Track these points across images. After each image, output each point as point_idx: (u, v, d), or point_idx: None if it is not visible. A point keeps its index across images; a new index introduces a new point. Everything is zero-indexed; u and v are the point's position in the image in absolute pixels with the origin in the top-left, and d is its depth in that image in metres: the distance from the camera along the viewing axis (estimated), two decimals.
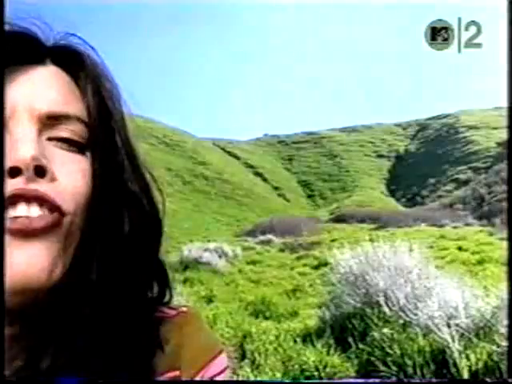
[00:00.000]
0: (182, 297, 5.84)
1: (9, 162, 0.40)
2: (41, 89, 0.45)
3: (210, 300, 7.76)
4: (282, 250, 19.61)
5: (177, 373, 0.47)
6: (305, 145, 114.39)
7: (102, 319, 0.42)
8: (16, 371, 0.40)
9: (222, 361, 0.50)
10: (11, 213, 0.40)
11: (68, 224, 0.42)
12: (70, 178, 0.43)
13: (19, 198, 0.40)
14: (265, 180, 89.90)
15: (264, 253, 18.43)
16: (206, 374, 0.48)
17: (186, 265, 12.18)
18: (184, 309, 0.52)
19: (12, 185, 0.40)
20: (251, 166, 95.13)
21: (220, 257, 13.22)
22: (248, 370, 3.22)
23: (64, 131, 0.45)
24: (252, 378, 3.06)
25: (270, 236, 23.96)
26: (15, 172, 0.40)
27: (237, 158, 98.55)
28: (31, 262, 0.40)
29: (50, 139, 0.44)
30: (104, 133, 0.46)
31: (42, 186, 0.41)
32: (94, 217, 0.44)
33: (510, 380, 2.64)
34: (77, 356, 0.41)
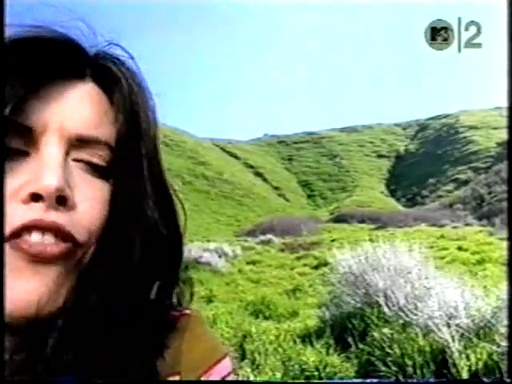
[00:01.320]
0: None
1: (32, 186, 0.40)
2: (75, 108, 0.44)
3: (210, 300, 7.76)
4: (281, 250, 19.60)
5: (177, 377, 0.45)
6: (305, 145, 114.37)
7: (106, 322, 0.42)
8: (17, 372, 0.40)
9: (227, 364, 0.48)
10: (26, 238, 0.40)
11: (80, 255, 0.42)
12: (89, 205, 0.43)
13: (35, 226, 0.40)
14: (265, 180, 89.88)
15: (264, 253, 18.43)
16: (210, 378, 0.47)
17: (185, 265, 12.16)
18: (187, 311, 0.50)
19: (31, 211, 0.40)
20: (251, 166, 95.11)
21: (220, 257, 13.22)
22: (248, 370, 3.22)
23: (91, 155, 0.44)
24: (252, 378, 3.06)
25: (269, 236, 23.95)
26: (36, 198, 0.40)
27: (237, 158, 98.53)
28: (40, 290, 0.40)
29: (76, 160, 0.43)
30: (131, 160, 0.45)
31: (59, 217, 0.41)
32: (105, 247, 0.43)
33: (507, 380, 2.64)
34: (78, 358, 0.40)
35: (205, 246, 14.87)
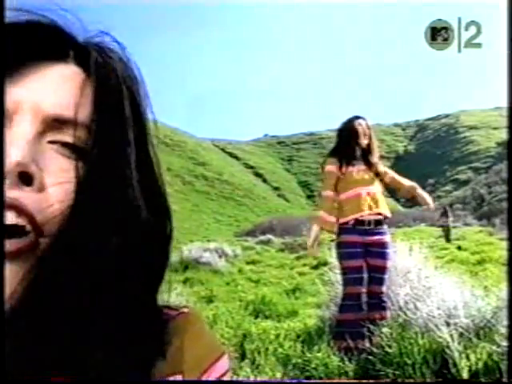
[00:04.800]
0: (182, 297, 5.84)
1: None
2: (53, 89, 0.43)
3: (210, 300, 7.76)
4: (281, 250, 19.60)
5: (179, 376, 0.45)
6: (305, 145, 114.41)
7: (103, 321, 0.40)
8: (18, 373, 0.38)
9: (225, 363, 0.48)
10: None
11: (43, 246, 0.39)
12: (60, 189, 0.40)
13: None
14: (265, 180, 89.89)
15: (264, 253, 18.42)
16: (210, 377, 0.47)
17: (185, 265, 12.18)
18: (185, 310, 0.50)
19: None
20: (251, 167, 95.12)
21: (220, 257, 13.22)
22: (248, 370, 3.22)
23: (68, 136, 0.42)
24: (252, 378, 3.06)
25: (269, 236, 23.95)
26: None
27: (237, 158, 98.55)
28: None
29: (51, 142, 0.42)
30: (112, 144, 0.43)
31: (24, 196, 0.38)
32: (72, 235, 0.40)
33: (506, 380, 2.64)
34: (76, 357, 0.39)
35: (205, 246, 14.85)
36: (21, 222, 0.38)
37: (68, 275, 0.39)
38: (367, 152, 3.79)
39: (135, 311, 0.43)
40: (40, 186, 0.39)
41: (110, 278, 0.41)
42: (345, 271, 3.64)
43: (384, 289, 3.60)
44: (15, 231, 0.38)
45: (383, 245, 3.62)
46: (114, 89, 0.44)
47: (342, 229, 3.69)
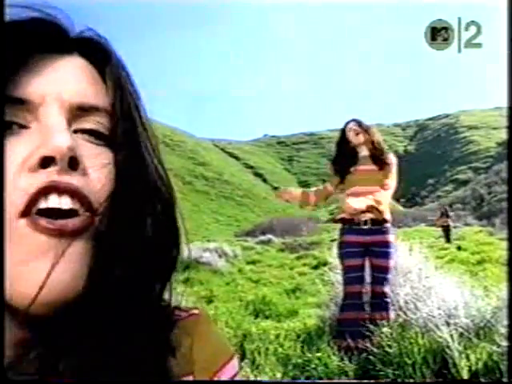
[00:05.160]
0: (181, 297, 5.84)
1: (43, 150, 0.39)
2: (70, 79, 0.43)
3: (209, 300, 7.76)
4: (281, 250, 19.61)
5: (190, 377, 0.45)
6: (304, 145, 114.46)
7: (115, 322, 0.41)
8: (26, 373, 0.39)
9: (234, 365, 0.49)
10: (42, 204, 0.38)
11: (98, 223, 0.41)
12: (98, 173, 0.42)
13: (52, 189, 0.39)
14: (264, 180, 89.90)
15: (264, 253, 18.42)
16: (220, 378, 0.47)
17: (186, 265, 12.18)
18: (196, 311, 0.51)
19: (44, 176, 0.38)
20: (251, 167, 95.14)
21: (220, 257, 13.22)
22: (248, 370, 3.22)
23: (92, 123, 0.44)
24: (252, 378, 3.06)
25: (269, 236, 23.94)
26: (48, 162, 0.38)
27: (236, 158, 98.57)
28: (74, 269, 0.39)
29: (76, 131, 0.43)
30: (130, 128, 0.45)
31: (75, 180, 0.40)
32: (119, 214, 0.42)
33: (506, 380, 2.64)
34: (87, 360, 0.39)
35: (205, 245, 14.86)
36: (75, 205, 0.39)
37: (123, 253, 0.41)
38: (370, 153, 3.79)
39: (147, 310, 0.43)
40: (83, 171, 0.41)
41: (135, 263, 0.42)
42: (345, 270, 3.68)
43: (387, 289, 3.59)
44: (72, 215, 0.40)
45: (386, 244, 3.62)
46: (119, 76, 0.46)
47: (342, 229, 3.75)
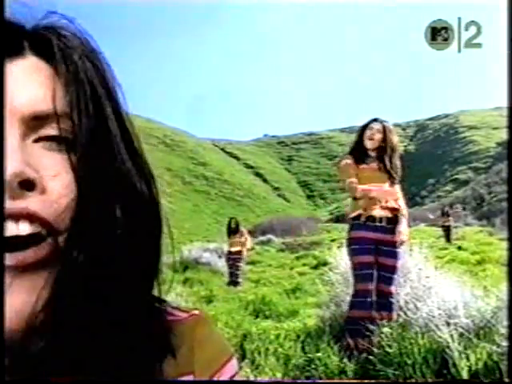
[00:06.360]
0: (181, 297, 5.84)
1: None
2: (20, 87, 0.40)
3: (209, 300, 7.75)
4: (281, 250, 19.63)
5: (190, 376, 0.46)
6: (304, 145, 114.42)
7: (110, 323, 0.40)
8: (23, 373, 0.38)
9: (234, 365, 0.49)
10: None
11: (62, 243, 0.39)
12: (59, 183, 0.39)
13: (7, 218, 0.37)
14: (265, 180, 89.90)
15: (264, 253, 18.45)
16: (220, 378, 0.47)
17: (186, 265, 12.18)
18: (196, 312, 0.51)
19: None
20: (251, 167, 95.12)
21: (220, 257, 13.21)
22: (248, 370, 3.22)
23: (51, 129, 0.40)
24: (252, 378, 3.06)
25: (269, 236, 23.96)
26: None
27: (237, 158, 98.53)
28: (30, 300, 0.38)
29: (36, 141, 0.40)
30: (94, 124, 0.41)
31: (31, 202, 0.38)
32: (86, 226, 0.39)
33: (506, 380, 2.64)
34: (84, 360, 0.39)
35: (205, 246, 14.88)
36: (35, 229, 0.38)
37: (90, 267, 0.39)
38: (378, 155, 3.79)
39: (137, 309, 0.43)
40: (42, 187, 0.39)
41: (120, 262, 0.41)
42: (355, 267, 3.62)
43: (393, 289, 3.57)
44: (33, 240, 0.38)
45: (395, 244, 3.61)
46: (81, 68, 0.42)
47: (353, 224, 3.71)
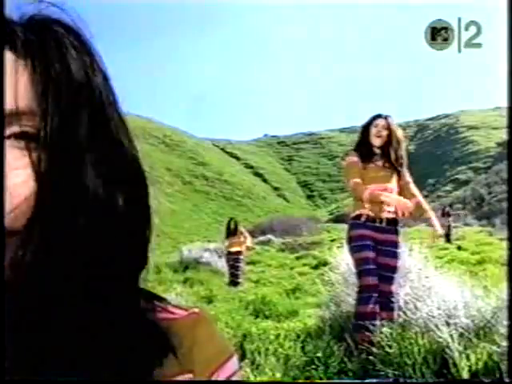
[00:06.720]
0: (181, 297, 5.84)
1: None
2: None
3: (209, 300, 7.76)
4: (281, 250, 19.63)
5: (190, 375, 0.46)
6: (304, 145, 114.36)
7: (103, 321, 0.40)
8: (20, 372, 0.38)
9: (234, 364, 0.49)
10: None
11: (18, 243, 0.38)
12: (17, 179, 0.39)
13: None
14: (264, 180, 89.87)
15: (264, 253, 18.44)
16: (219, 377, 0.47)
17: (186, 265, 12.18)
18: (196, 310, 0.51)
19: None
20: (251, 167, 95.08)
21: (220, 257, 13.20)
22: (248, 370, 3.22)
23: (19, 126, 0.39)
24: (252, 378, 3.06)
25: (269, 236, 23.95)
26: None
27: (236, 158, 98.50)
28: None
29: (10, 137, 0.40)
30: (62, 122, 0.40)
31: None
32: (41, 221, 0.38)
33: (506, 380, 2.64)
34: (81, 359, 0.39)
35: (205, 246, 14.88)
36: None
37: (49, 270, 0.38)
38: (384, 151, 3.78)
39: (121, 301, 0.42)
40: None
41: (88, 264, 0.40)
42: (359, 262, 3.63)
43: (393, 288, 3.58)
44: None
45: (396, 244, 3.63)
46: (55, 60, 0.41)
47: (353, 224, 3.72)
